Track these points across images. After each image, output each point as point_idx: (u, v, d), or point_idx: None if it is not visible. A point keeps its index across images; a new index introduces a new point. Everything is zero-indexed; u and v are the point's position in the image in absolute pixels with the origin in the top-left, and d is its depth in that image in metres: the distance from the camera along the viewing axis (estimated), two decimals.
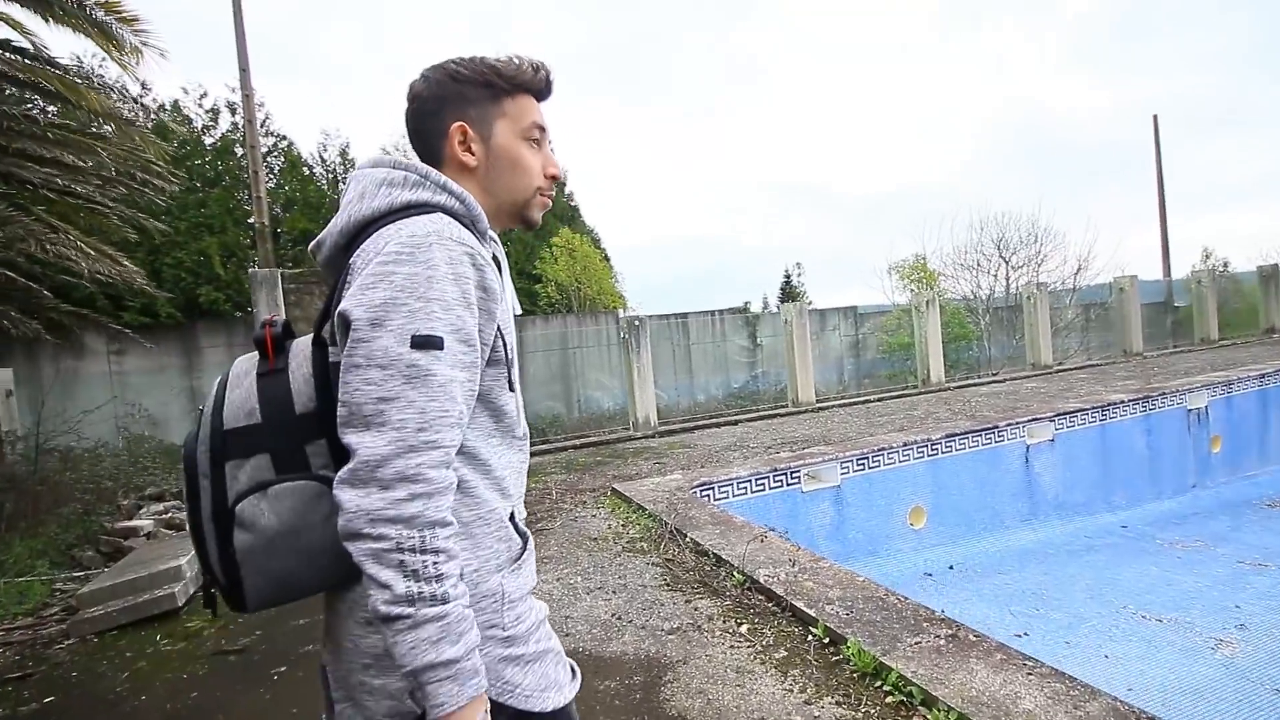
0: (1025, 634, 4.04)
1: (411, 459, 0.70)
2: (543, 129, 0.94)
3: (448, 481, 0.73)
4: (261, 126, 10.69)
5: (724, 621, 2.38)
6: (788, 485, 4.80)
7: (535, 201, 0.95)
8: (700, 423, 7.71)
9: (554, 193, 0.98)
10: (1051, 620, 4.19)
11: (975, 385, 8.84)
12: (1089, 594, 4.52)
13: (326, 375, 0.80)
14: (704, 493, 4.48)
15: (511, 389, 0.88)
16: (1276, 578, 4.57)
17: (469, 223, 0.85)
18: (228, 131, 10.83)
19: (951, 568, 5.12)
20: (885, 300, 14.07)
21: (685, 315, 12.05)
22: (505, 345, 0.85)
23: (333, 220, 0.86)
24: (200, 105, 10.82)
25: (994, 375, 9.95)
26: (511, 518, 0.87)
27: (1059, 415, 5.91)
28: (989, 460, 5.59)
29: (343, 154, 12.09)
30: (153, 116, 10.47)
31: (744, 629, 2.32)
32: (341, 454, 0.74)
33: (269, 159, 11.02)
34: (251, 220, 9.53)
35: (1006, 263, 15.76)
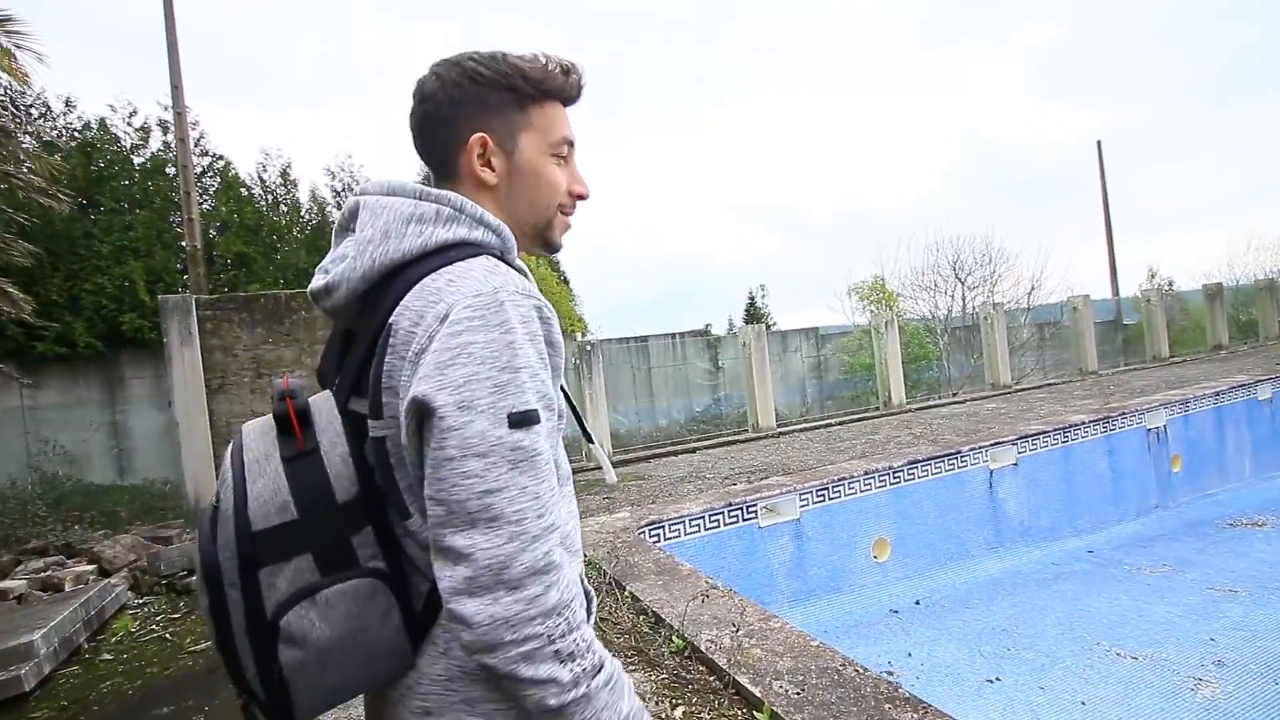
0: (998, 678, 3.76)
1: (538, 549, 0.64)
2: (571, 144, 0.83)
3: (567, 557, 0.68)
4: (196, 145, 10.15)
5: (657, 703, 2.03)
6: (744, 521, 4.48)
7: (557, 222, 0.85)
8: (657, 451, 7.38)
9: (575, 212, 0.87)
10: (1023, 661, 3.92)
11: (936, 406, 8.72)
12: (1060, 629, 4.28)
13: (364, 453, 0.71)
14: (654, 532, 4.13)
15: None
16: (1247, 605, 4.40)
17: (504, 257, 0.76)
18: (159, 151, 10.24)
19: (918, 603, 4.85)
20: (847, 322, 14.06)
21: (645, 338, 11.78)
22: (560, 397, 0.76)
23: (346, 262, 0.73)
24: (129, 123, 10.23)
25: (954, 395, 9.88)
26: (580, 577, 0.78)
27: (1021, 438, 5.75)
28: (952, 487, 5.38)
29: (284, 174, 11.60)
30: (76, 135, 9.87)
31: (678, 713, 1.97)
32: (389, 539, 0.70)
33: (203, 179, 10.46)
34: (184, 243, 8.96)
35: (962, 283, 15.97)
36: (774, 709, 1.82)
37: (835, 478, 4.90)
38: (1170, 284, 11.83)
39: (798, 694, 1.89)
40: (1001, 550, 5.47)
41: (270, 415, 0.73)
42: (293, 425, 0.70)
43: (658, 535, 4.12)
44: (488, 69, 0.77)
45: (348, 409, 0.72)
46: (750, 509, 4.52)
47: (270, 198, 11.59)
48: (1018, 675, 3.78)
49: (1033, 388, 9.17)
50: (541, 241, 0.85)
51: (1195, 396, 6.73)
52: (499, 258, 0.75)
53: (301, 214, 11.84)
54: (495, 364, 0.65)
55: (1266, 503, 6.51)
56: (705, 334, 13.21)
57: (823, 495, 4.81)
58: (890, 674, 3.89)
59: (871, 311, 13.59)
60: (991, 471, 5.58)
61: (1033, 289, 14.94)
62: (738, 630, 2.32)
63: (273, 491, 0.68)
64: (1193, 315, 11.37)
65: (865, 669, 2.01)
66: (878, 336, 8.76)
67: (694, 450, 7.19)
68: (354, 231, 0.75)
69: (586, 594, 0.79)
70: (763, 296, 22.86)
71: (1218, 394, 6.85)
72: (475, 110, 0.77)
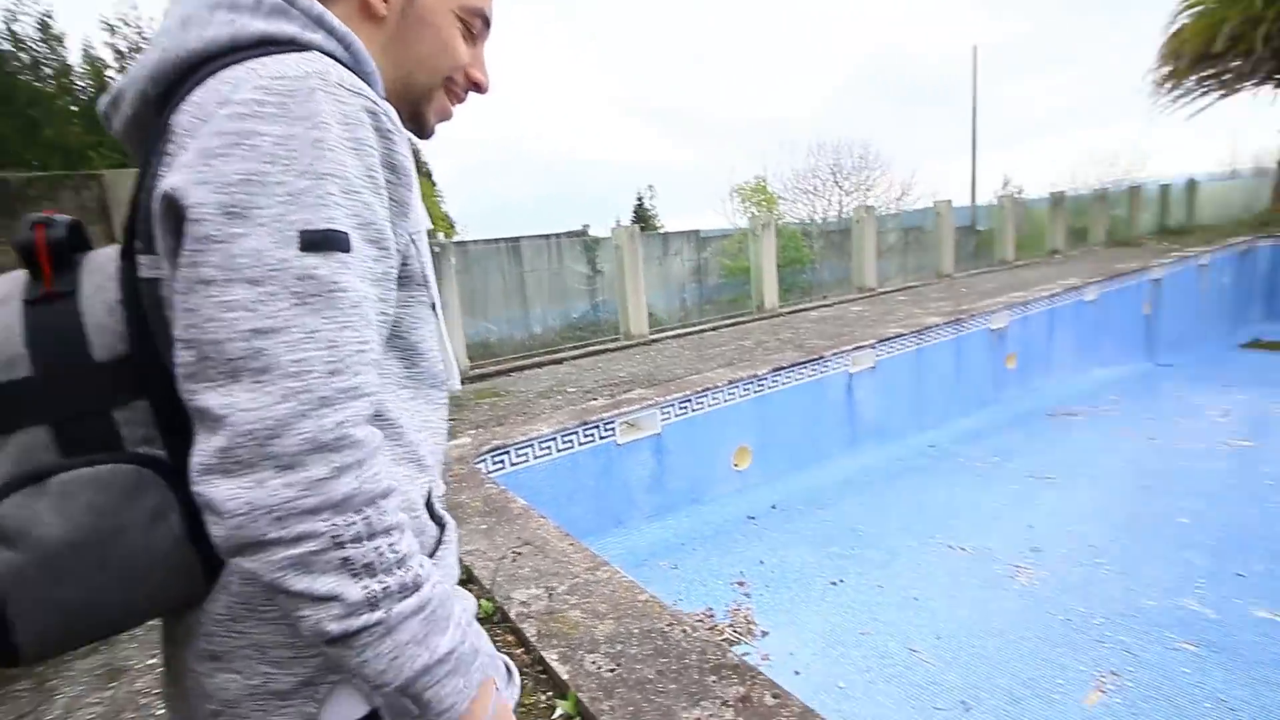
0: (841, 580, 3.85)
1: (328, 417, 0.47)
2: (488, 24, 0.69)
3: (378, 439, 0.51)
4: None
5: None
6: (600, 439, 4.18)
7: (438, 97, 0.69)
8: (525, 362, 6.89)
9: (464, 100, 0.72)
10: (866, 561, 4.04)
11: (806, 310, 8.82)
12: (901, 525, 4.47)
13: (140, 300, 0.53)
14: (497, 459, 3.72)
15: (433, 316, 0.65)
16: (1060, 491, 4.81)
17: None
18: None
19: (774, 507, 4.90)
20: (730, 224, 13.86)
21: (517, 239, 10.90)
22: (419, 255, 0.61)
23: (136, 62, 0.57)
24: None
25: (824, 299, 10.09)
26: (428, 500, 0.64)
27: (881, 342, 5.83)
28: (814, 393, 5.38)
29: (43, 27, 9.12)
30: None
31: None
32: (175, 420, 0.52)
33: None
34: None
35: (840, 188, 16.19)
36: (581, 695, 1.51)
37: (699, 388, 4.68)
38: (1020, 192, 12.62)
39: (611, 671, 1.59)
40: (855, 450, 5.65)
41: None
42: (42, 261, 0.54)
43: (501, 462, 3.72)
44: None
45: (130, 248, 0.54)
46: (608, 426, 4.22)
47: (27, 57, 9.15)
48: (859, 575, 3.89)
49: (895, 290, 9.52)
50: (411, 114, 0.68)
51: (1033, 299, 7.16)
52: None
53: (73, 80, 9.50)
54: (291, 165, 0.48)
55: (1082, 394, 7.22)
56: (582, 235, 12.52)
57: (685, 408, 4.60)
58: (741, 584, 3.88)
59: (752, 214, 13.45)
60: (851, 376, 5.65)
61: (903, 194, 15.42)
62: (558, 588, 1.99)
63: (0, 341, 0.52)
64: (1035, 222, 12.20)
65: (694, 627, 1.74)
66: (754, 239, 8.57)
67: (562, 361, 6.77)
68: None
69: (436, 518, 0.65)
70: (651, 199, 22.20)
71: (1052, 296, 7.34)
72: None
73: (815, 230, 14.10)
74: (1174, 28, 12.69)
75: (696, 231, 12.79)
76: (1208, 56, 11.84)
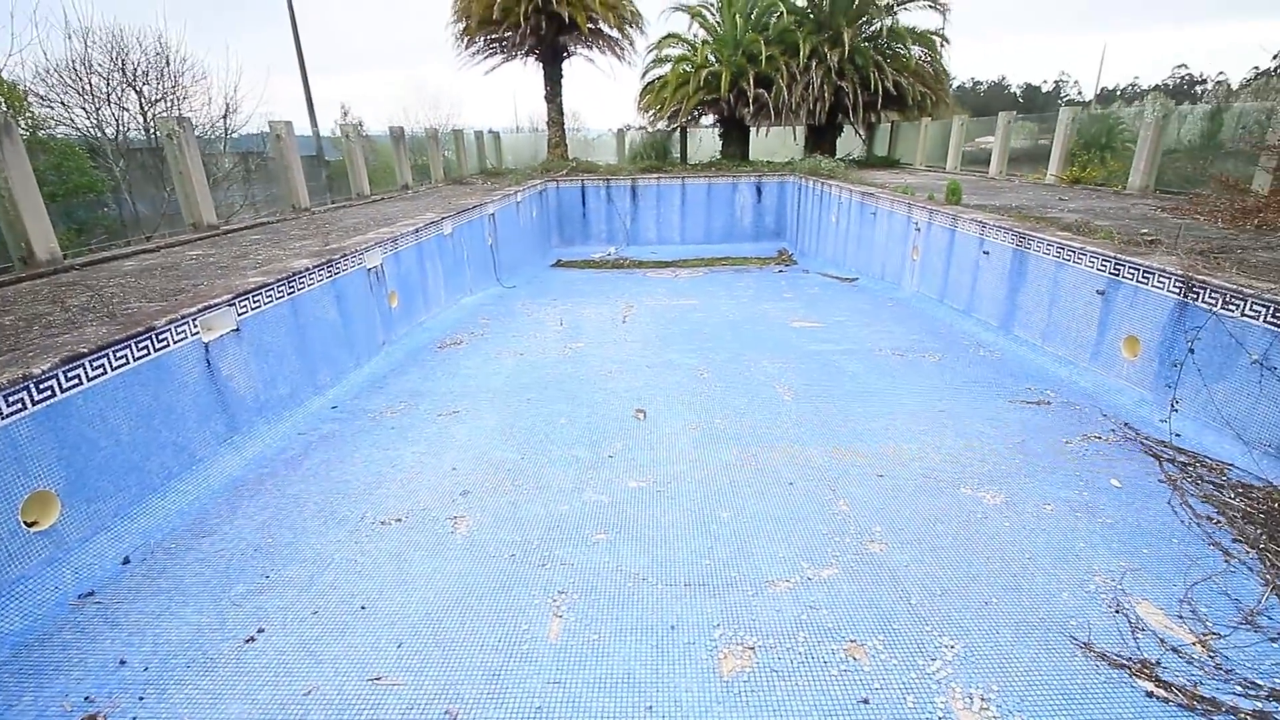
0: (260, 630, 2.79)
1: None
2: None
3: None
4: None
5: None
6: None
7: None
8: None
9: None
10: (288, 584, 3.08)
11: (119, 259, 6.30)
12: (322, 518, 3.64)
13: None
14: None
15: None
16: (468, 423, 4.89)
17: None
18: None
19: (128, 561, 3.26)
20: None
21: None
22: None
23: None
24: None
25: (148, 240, 7.53)
26: None
27: (240, 296, 4.52)
28: (152, 379, 3.74)
29: None
30: None
31: None
32: None
33: None
34: None
35: (139, 93, 12.29)
36: None
37: None
38: (361, 124, 12.39)
39: None
40: (238, 439, 4.34)
41: None
42: None
43: None
44: None
45: None
46: None
47: None
48: (284, 609, 2.92)
49: (245, 228, 7.90)
50: None
51: (402, 234, 7.04)
52: None
53: None
54: None
55: (460, 322, 7.72)
56: None
57: None
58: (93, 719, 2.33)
59: None
60: (207, 345, 4.19)
61: (229, 111, 12.95)
62: None
63: None
64: (383, 156, 12.29)
65: None
66: None
67: None
68: None
69: None
70: None
71: (418, 231, 7.41)
72: None
73: (110, 147, 10.36)
74: None
75: None
76: (489, 21, 14.02)
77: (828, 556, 3.21)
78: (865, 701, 2.38)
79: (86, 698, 2.46)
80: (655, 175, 13.11)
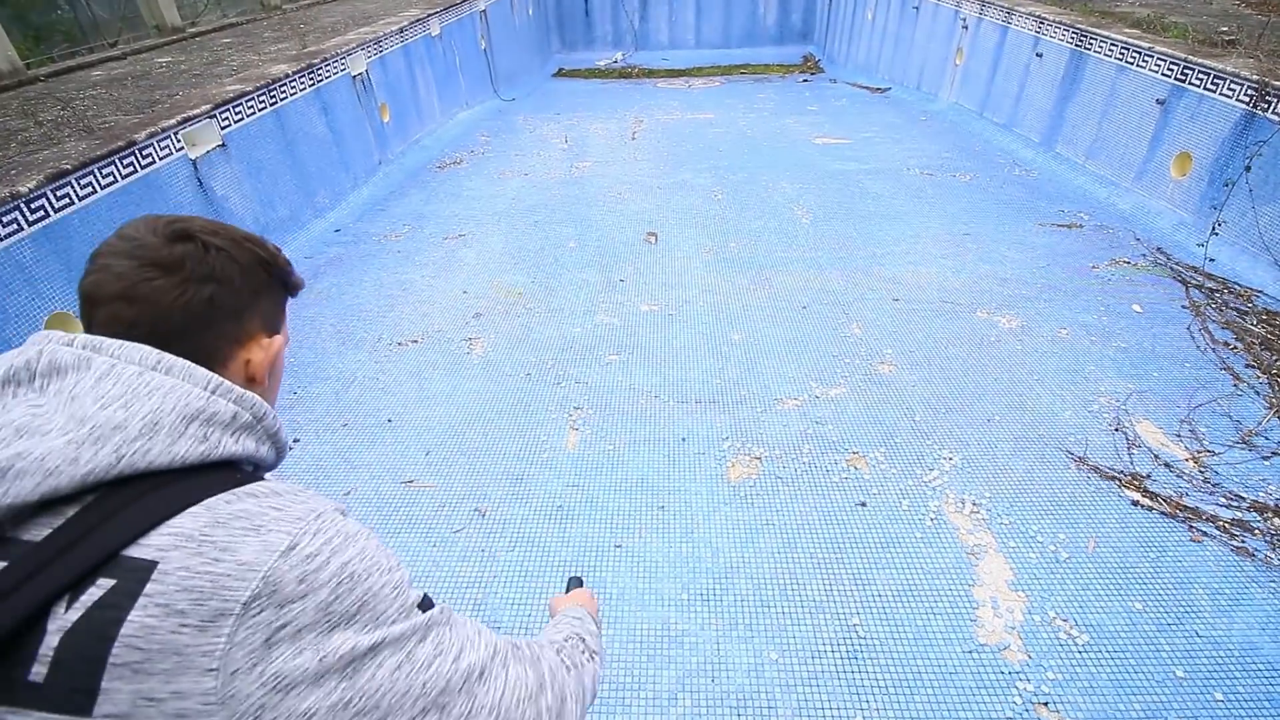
0: (291, 445, 2.96)
1: None
2: None
3: None
4: None
5: None
6: None
7: None
8: None
9: None
10: (315, 411, 3.21)
11: (85, 68, 5.78)
12: (340, 340, 3.70)
13: None
14: None
15: None
16: (475, 246, 4.77)
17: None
18: None
19: None
20: None
21: None
22: None
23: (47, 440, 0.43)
24: None
25: (113, 48, 6.83)
26: None
27: (219, 107, 4.18)
28: (139, 199, 3.59)
29: None
30: None
31: None
32: None
33: None
34: None
35: None
36: None
37: None
38: None
39: None
40: None
41: None
42: None
43: None
44: (269, 257, 0.66)
45: None
46: None
47: None
48: (315, 421, 3.08)
49: (213, 30, 7.11)
50: None
51: (385, 35, 6.33)
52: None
53: None
54: None
55: (458, 139, 7.24)
56: None
57: None
58: None
59: None
60: (195, 162, 3.97)
61: None
62: None
63: None
64: None
65: None
66: None
67: None
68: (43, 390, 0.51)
69: None
70: None
71: (401, 30, 6.65)
72: (265, 303, 0.66)
73: None
74: None
75: None
76: None
77: (837, 377, 3.27)
78: (863, 504, 2.55)
79: None
80: None
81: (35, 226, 3.00)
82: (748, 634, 2.10)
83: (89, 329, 0.58)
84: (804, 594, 2.22)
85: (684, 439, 2.91)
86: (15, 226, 2.92)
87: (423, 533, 2.51)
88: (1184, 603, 2.13)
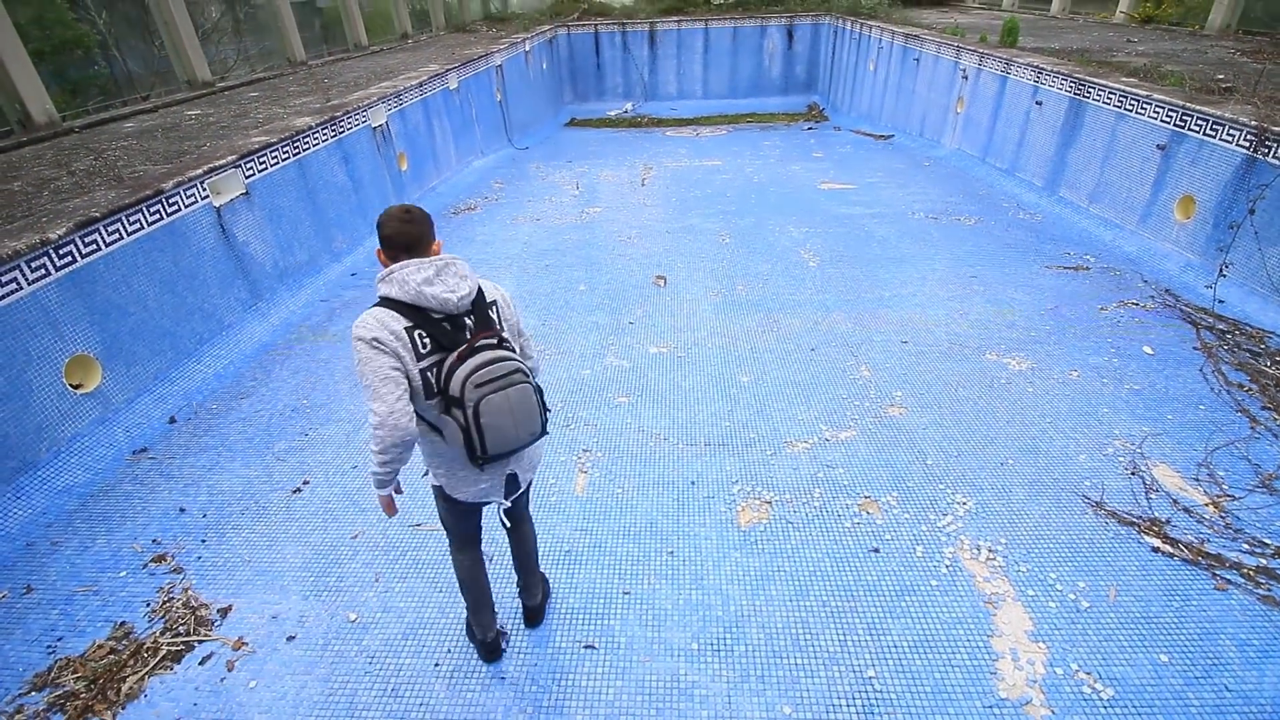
0: (300, 488, 2.96)
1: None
2: None
3: None
4: None
5: None
6: None
7: None
8: None
9: None
10: (325, 453, 3.23)
11: (117, 120, 6.04)
12: (349, 379, 3.74)
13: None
14: None
15: None
16: None
17: None
18: None
19: (173, 420, 3.42)
20: None
21: None
22: None
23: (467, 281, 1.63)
24: None
25: (145, 101, 7.16)
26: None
27: (244, 158, 4.34)
28: (170, 242, 3.71)
29: None
30: None
31: None
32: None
33: None
34: None
35: None
36: None
37: None
38: None
39: None
40: (263, 306, 4.38)
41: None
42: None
43: None
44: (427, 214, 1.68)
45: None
46: None
47: None
48: (325, 464, 3.09)
49: (242, 84, 7.45)
50: None
51: (404, 89, 6.59)
52: None
53: None
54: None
55: (472, 186, 7.44)
56: None
57: None
58: (161, 558, 2.56)
59: None
60: (219, 210, 4.10)
61: None
62: None
63: None
64: (377, 2, 11.23)
65: None
66: None
67: None
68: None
69: None
70: None
71: (421, 85, 6.92)
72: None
73: None
74: None
75: None
76: None
77: (846, 420, 3.26)
78: (875, 551, 2.51)
79: (154, 540, 2.68)
80: (675, 18, 11.92)
81: (62, 272, 3.10)
82: (760, 686, 2.05)
83: (415, 247, 1.59)
84: (818, 644, 2.17)
85: (693, 482, 2.89)
86: (43, 272, 3.01)
87: (429, 578, 2.48)
88: (1211, 654, 2.06)
